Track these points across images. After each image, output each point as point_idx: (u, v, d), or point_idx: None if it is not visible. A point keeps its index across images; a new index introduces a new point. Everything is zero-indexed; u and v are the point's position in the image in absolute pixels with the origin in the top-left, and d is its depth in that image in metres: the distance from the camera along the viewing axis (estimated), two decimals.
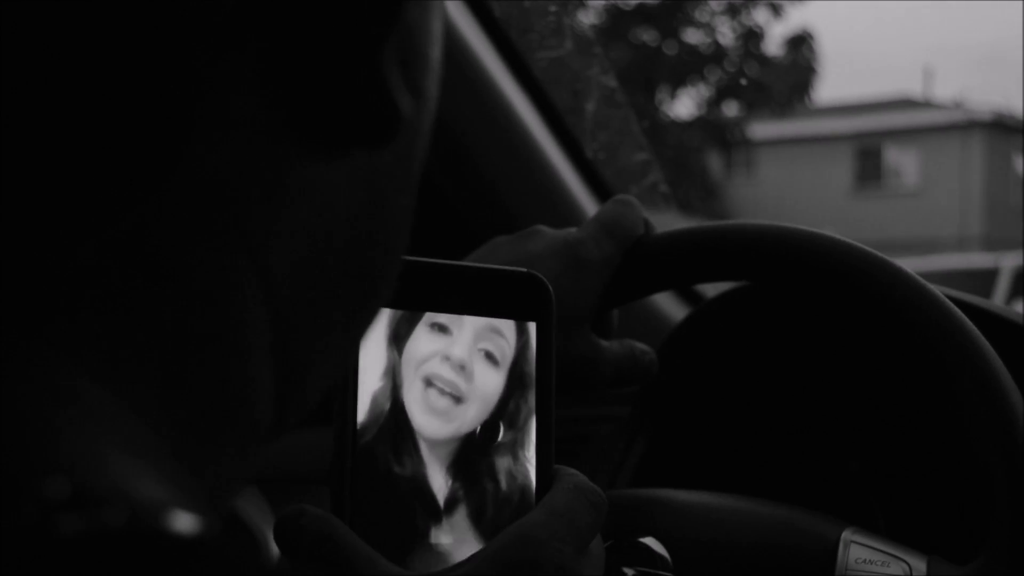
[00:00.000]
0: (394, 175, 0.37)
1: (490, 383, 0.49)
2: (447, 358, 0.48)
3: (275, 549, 0.46)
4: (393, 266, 0.39)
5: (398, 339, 0.48)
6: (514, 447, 0.49)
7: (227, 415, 0.34)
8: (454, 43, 0.99)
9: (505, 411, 0.49)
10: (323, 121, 0.33)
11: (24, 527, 0.24)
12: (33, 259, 0.30)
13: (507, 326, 0.49)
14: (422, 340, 0.48)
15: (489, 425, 0.49)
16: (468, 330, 0.49)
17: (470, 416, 0.49)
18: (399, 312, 0.48)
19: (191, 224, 0.32)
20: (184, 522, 0.26)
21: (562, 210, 1.07)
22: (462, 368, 0.48)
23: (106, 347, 0.31)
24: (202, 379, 0.33)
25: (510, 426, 0.49)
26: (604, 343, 0.75)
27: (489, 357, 0.49)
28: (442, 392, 0.48)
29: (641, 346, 0.78)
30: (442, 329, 0.48)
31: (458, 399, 0.48)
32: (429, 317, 0.48)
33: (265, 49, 0.31)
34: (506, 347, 0.49)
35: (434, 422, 0.48)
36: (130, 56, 0.29)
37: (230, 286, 0.33)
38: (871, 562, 0.68)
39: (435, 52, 0.37)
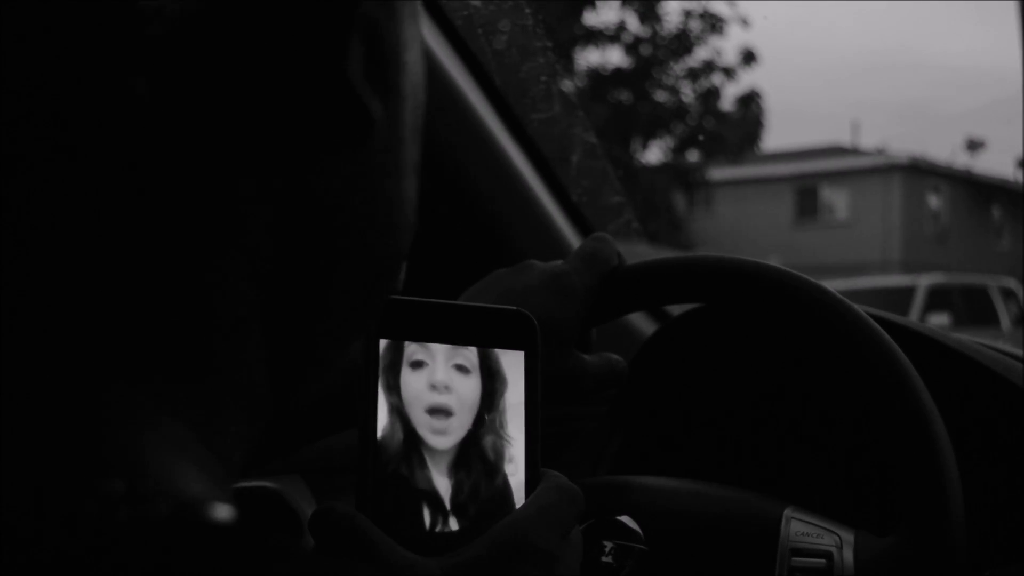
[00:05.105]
0: (382, 165, 0.36)
1: (468, 388, 0.50)
2: (433, 386, 0.49)
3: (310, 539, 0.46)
4: (395, 249, 0.38)
5: (391, 388, 0.49)
6: (494, 426, 0.50)
7: (238, 401, 0.33)
8: (466, 112, 1.00)
9: (485, 404, 0.50)
10: (304, 129, 0.32)
11: (86, 518, 0.25)
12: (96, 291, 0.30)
13: None
14: (411, 380, 0.49)
15: (478, 420, 0.50)
16: (440, 357, 0.50)
17: (462, 421, 0.50)
18: (386, 360, 0.49)
19: (193, 233, 0.31)
20: (219, 512, 0.27)
21: (552, 244, 1.07)
22: (446, 388, 0.49)
23: (141, 358, 0.31)
24: (211, 370, 0.32)
25: (490, 409, 0.50)
26: (586, 357, 0.75)
27: (461, 368, 0.50)
28: (440, 412, 0.49)
29: (615, 357, 0.77)
30: (420, 364, 0.49)
31: (450, 413, 0.49)
32: (407, 358, 0.49)
33: (250, 74, 0.31)
34: (471, 355, 0.50)
35: (440, 438, 0.49)
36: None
37: (229, 288, 0.32)
38: (808, 534, 0.68)
39: (410, 55, 0.36)
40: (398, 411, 0.48)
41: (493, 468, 0.50)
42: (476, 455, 0.49)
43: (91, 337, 0.30)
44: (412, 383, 0.49)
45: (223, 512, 0.27)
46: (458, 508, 0.49)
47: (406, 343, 0.49)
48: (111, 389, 0.29)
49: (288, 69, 0.31)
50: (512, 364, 0.51)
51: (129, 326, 0.30)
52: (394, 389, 0.48)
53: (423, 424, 0.49)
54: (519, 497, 0.50)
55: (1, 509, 0.25)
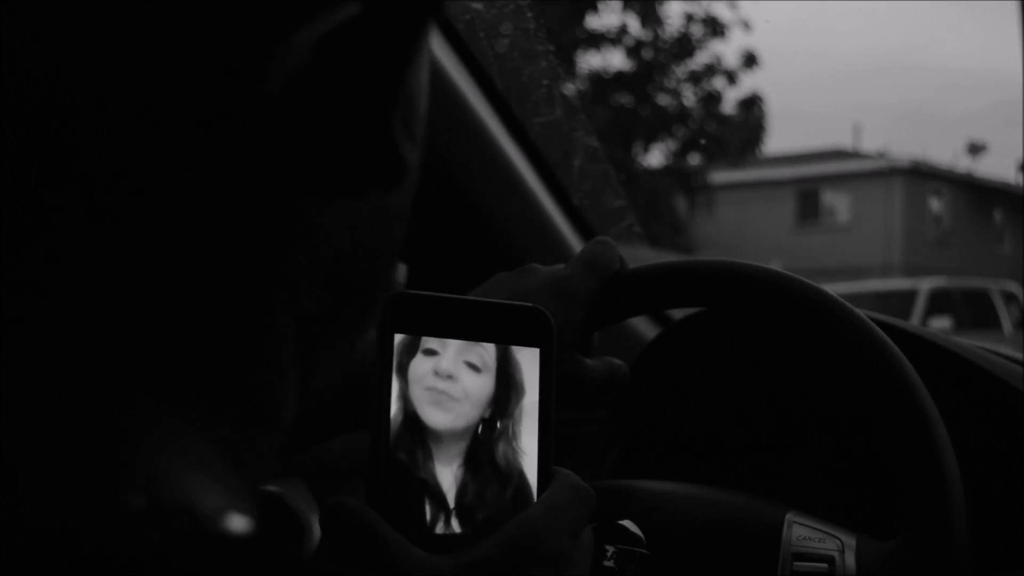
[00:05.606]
0: (395, 206, 0.38)
1: (476, 385, 0.50)
2: (437, 372, 0.49)
3: (318, 535, 0.46)
4: (388, 276, 0.40)
5: (403, 369, 0.49)
6: (506, 434, 0.50)
7: (264, 422, 0.34)
8: (468, 116, 1.00)
9: (498, 407, 0.50)
10: (347, 176, 0.34)
11: (108, 533, 0.25)
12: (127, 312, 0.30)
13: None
14: (419, 363, 0.49)
15: (488, 422, 0.50)
16: (451, 349, 0.50)
17: (465, 411, 0.49)
18: (401, 347, 0.49)
19: (241, 267, 0.32)
20: (239, 524, 0.27)
21: (554, 247, 1.07)
22: (449, 376, 0.49)
23: (170, 376, 0.31)
24: (244, 395, 0.33)
25: (502, 416, 0.50)
26: (588, 361, 0.75)
27: (471, 366, 0.50)
28: (437, 393, 0.49)
29: (617, 362, 0.77)
30: (431, 352, 0.49)
31: (450, 397, 0.49)
32: (423, 345, 0.49)
33: (297, 125, 0.32)
34: (487, 356, 0.50)
35: (437, 414, 0.49)
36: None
37: (269, 316, 0.33)
38: (810, 539, 0.68)
39: (424, 101, 0.38)
40: (404, 396, 0.48)
41: (504, 475, 0.49)
42: (486, 460, 0.49)
43: (118, 353, 0.30)
44: (418, 366, 0.49)
45: (240, 525, 0.27)
46: (463, 510, 0.48)
47: (423, 338, 0.49)
48: (135, 406, 0.30)
49: (340, 126, 0.32)
50: (528, 367, 0.51)
51: (160, 343, 0.31)
52: (401, 374, 0.48)
53: (422, 399, 0.48)
54: (531, 496, 0.50)
55: (20, 524, 0.25)
